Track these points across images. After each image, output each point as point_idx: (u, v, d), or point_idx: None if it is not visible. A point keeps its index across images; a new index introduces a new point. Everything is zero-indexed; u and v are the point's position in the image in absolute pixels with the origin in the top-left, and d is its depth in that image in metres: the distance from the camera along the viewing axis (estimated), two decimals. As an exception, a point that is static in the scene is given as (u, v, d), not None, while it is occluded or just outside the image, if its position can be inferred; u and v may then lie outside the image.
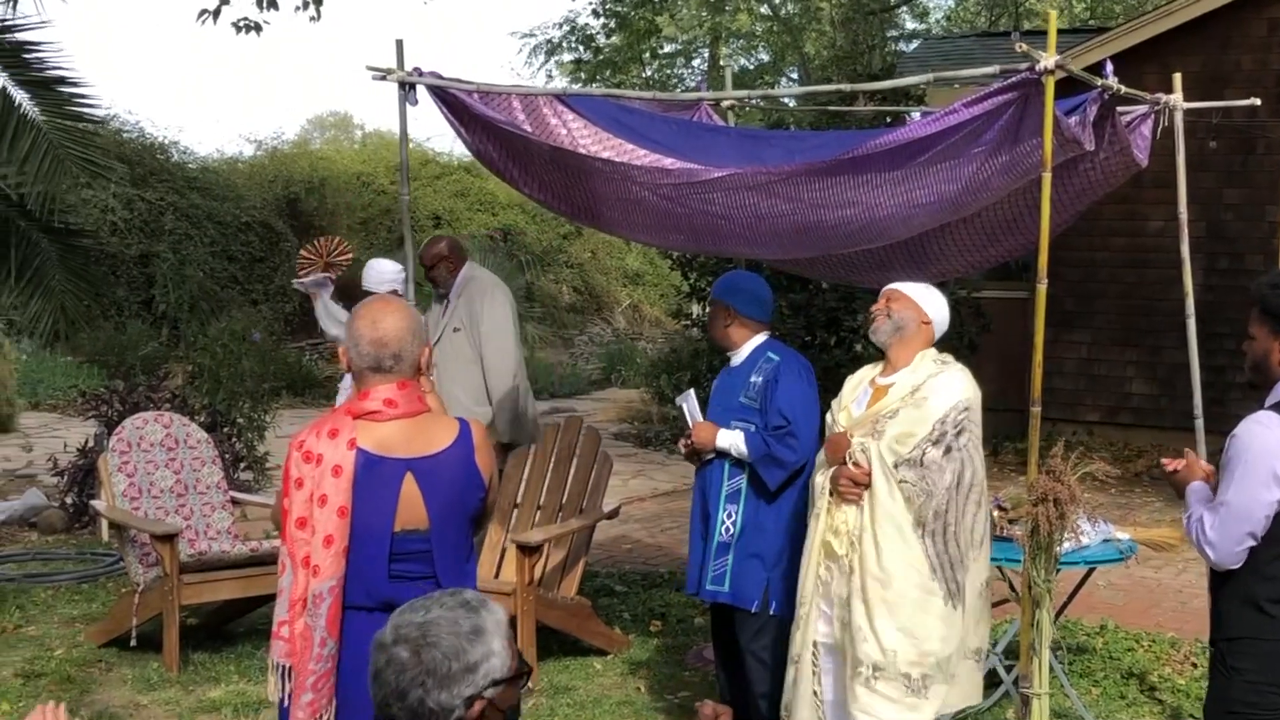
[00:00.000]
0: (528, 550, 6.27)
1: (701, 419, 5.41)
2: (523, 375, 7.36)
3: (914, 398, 4.72)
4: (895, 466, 4.61)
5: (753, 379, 5.30)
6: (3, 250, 8.19)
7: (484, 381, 7.12)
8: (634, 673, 6.51)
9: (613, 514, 7.01)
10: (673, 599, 7.67)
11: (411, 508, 3.46)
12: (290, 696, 3.47)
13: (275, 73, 53.54)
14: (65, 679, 6.31)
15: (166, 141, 19.17)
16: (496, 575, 6.68)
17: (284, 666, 3.49)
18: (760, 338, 5.42)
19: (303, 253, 8.12)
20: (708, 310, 5.59)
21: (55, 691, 6.11)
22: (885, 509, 4.61)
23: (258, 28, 12.81)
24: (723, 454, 5.32)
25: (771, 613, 5.17)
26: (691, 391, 5.55)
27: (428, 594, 2.49)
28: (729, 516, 5.31)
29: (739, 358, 5.43)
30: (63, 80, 7.94)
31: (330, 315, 7.86)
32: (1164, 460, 4.18)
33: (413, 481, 3.46)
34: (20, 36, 7.83)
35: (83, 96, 8.02)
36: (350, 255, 8.00)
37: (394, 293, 7.27)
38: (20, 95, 7.84)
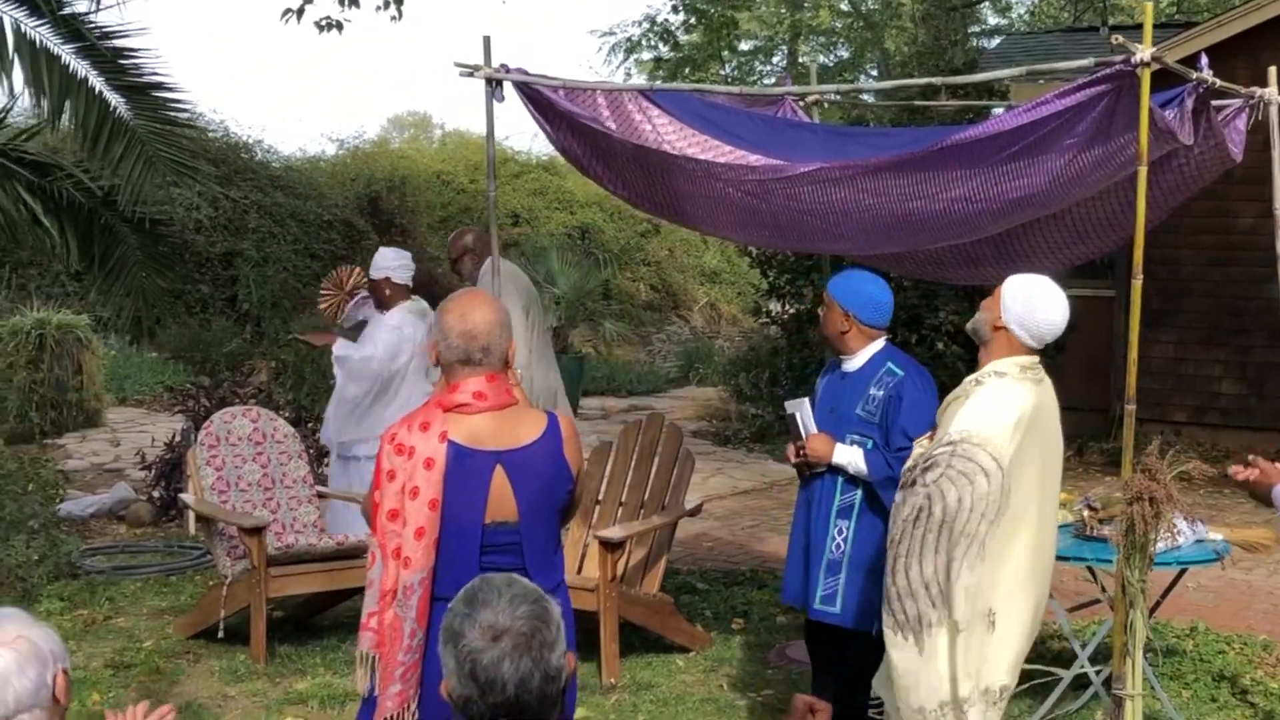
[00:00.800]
0: (610, 546, 6.27)
1: (815, 429, 5.21)
2: (543, 373, 7.41)
3: (944, 414, 4.48)
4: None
5: (872, 392, 5.09)
6: (86, 241, 8.35)
7: None
8: (716, 670, 6.49)
9: (695, 511, 6.99)
10: (754, 597, 7.64)
11: (501, 500, 3.48)
12: (378, 686, 3.49)
13: (356, 73, 54.10)
14: (154, 670, 6.40)
15: (251, 141, 19.39)
16: (579, 571, 6.69)
17: (372, 657, 3.51)
18: (878, 344, 5.18)
19: (324, 289, 8.13)
20: (822, 307, 5.38)
21: (144, 682, 6.20)
22: None
23: (339, 26, 12.95)
24: (835, 468, 5.15)
25: None
26: (805, 400, 5.33)
27: (454, 601, 2.51)
28: (840, 533, 5.13)
29: (854, 364, 5.20)
30: (157, 85, 8.07)
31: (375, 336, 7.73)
32: (1233, 469, 4.08)
33: (503, 474, 3.48)
34: (118, 43, 7.97)
35: (176, 101, 8.15)
36: (364, 277, 8.02)
37: (386, 280, 7.64)
38: (115, 99, 7.97)
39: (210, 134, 18.52)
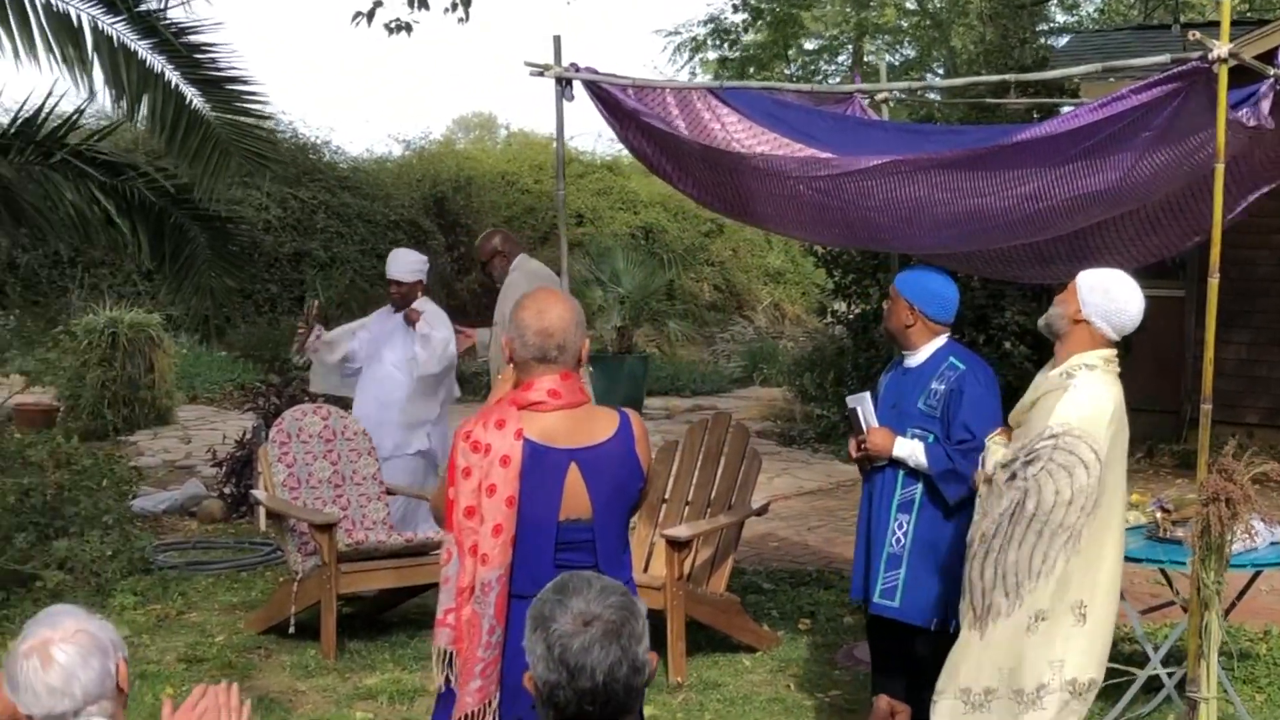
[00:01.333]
0: (677, 545, 6.27)
1: (876, 424, 5.23)
2: None
3: (1035, 408, 4.50)
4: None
5: (934, 386, 5.12)
6: (156, 240, 8.46)
7: None
8: (783, 670, 6.48)
9: (762, 510, 6.98)
10: (821, 597, 7.62)
11: (576, 498, 3.50)
12: (455, 682, 3.51)
13: (422, 73, 54.46)
14: (226, 664, 6.47)
15: (319, 142, 19.58)
16: (646, 570, 6.69)
17: (449, 653, 3.53)
18: (941, 340, 5.23)
19: (299, 329, 8.20)
20: (887, 302, 5.38)
21: (216, 676, 6.26)
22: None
23: (408, 28, 13.03)
24: (896, 462, 5.17)
25: (952, 631, 4.84)
26: (866, 394, 5.36)
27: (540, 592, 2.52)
28: (900, 527, 5.15)
29: (917, 359, 5.24)
30: (233, 79, 8.18)
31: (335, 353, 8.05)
32: None
33: (577, 472, 3.49)
34: (192, 39, 8.08)
35: (251, 93, 8.25)
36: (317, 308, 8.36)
37: (419, 283, 7.87)
38: (191, 92, 8.09)
39: (280, 134, 18.70)
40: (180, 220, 8.43)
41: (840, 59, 29.17)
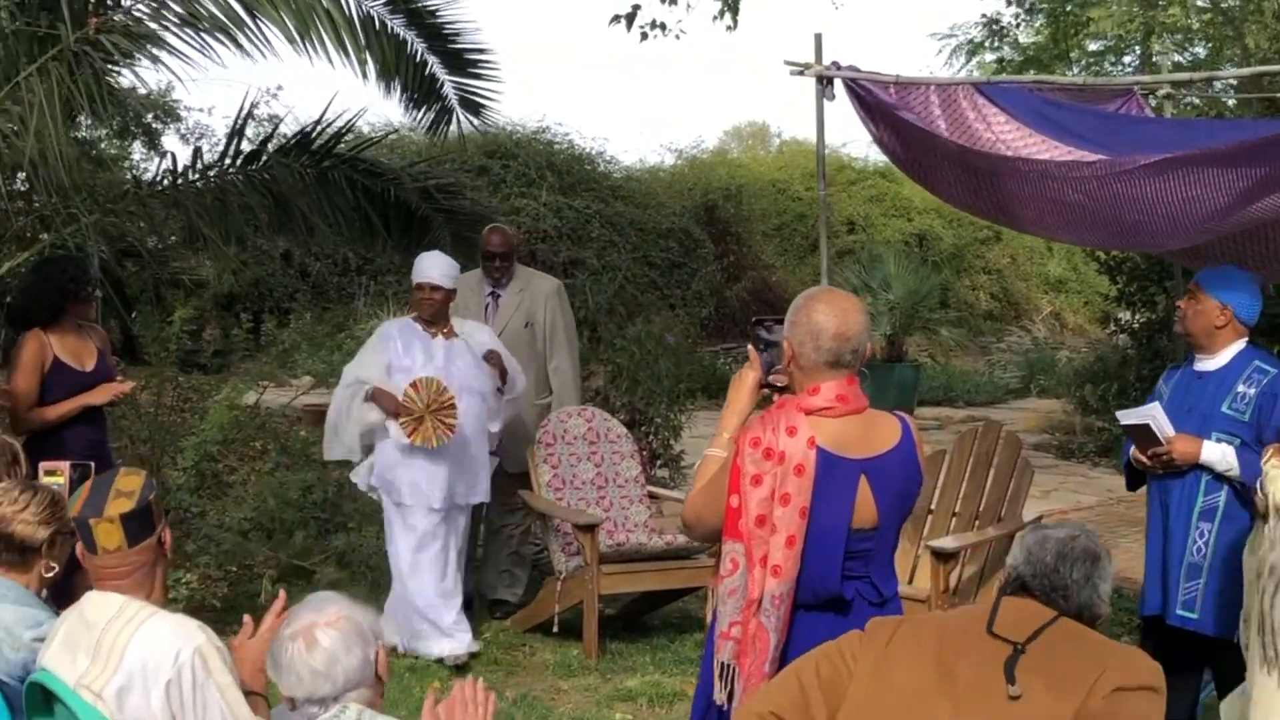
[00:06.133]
0: (943, 557, 6.09)
1: (1172, 432, 4.97)
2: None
3: None
4: None
5: (1240, 389, 4.88)
6: (405, 232, 8.74)
7: (546, 379, 7.47)
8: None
9: (1033, 524, 6.71)
10: (1096, 615, 7.29)
11: (864, 507, 3.40)
12: (737, 697, 3.39)
13: (695, 83, 54.97)
14: (492, 661, 6.59)
15: (594, 152, 19.92)
16: (910, 582, 6.52)
17: (732, 667, 3.42)
18: (1242, 343, 4.99)
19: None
20: (1185, 303, 5.11)
21: (481, 673, 6.38)
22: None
23: (663, 27, 13.17)
24: (1198, 469, 4.92)
25: None
26: (1156, 404, 5.09)
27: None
28: (1200, 535, 4.88)
29: (1214, 362, 4.99)
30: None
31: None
32: None
33: (865, 481, 3.40)
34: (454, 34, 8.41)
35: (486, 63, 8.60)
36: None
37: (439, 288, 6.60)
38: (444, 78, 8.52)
39: (555, 145, 19.13)
40: (424, 212, 8.68)
41: (1126, 60, 28.05)
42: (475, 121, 8.96)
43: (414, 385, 6.33)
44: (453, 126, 8.88)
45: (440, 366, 6.47)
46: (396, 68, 8.02)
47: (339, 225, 8.31)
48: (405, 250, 8.74)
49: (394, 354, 6.53)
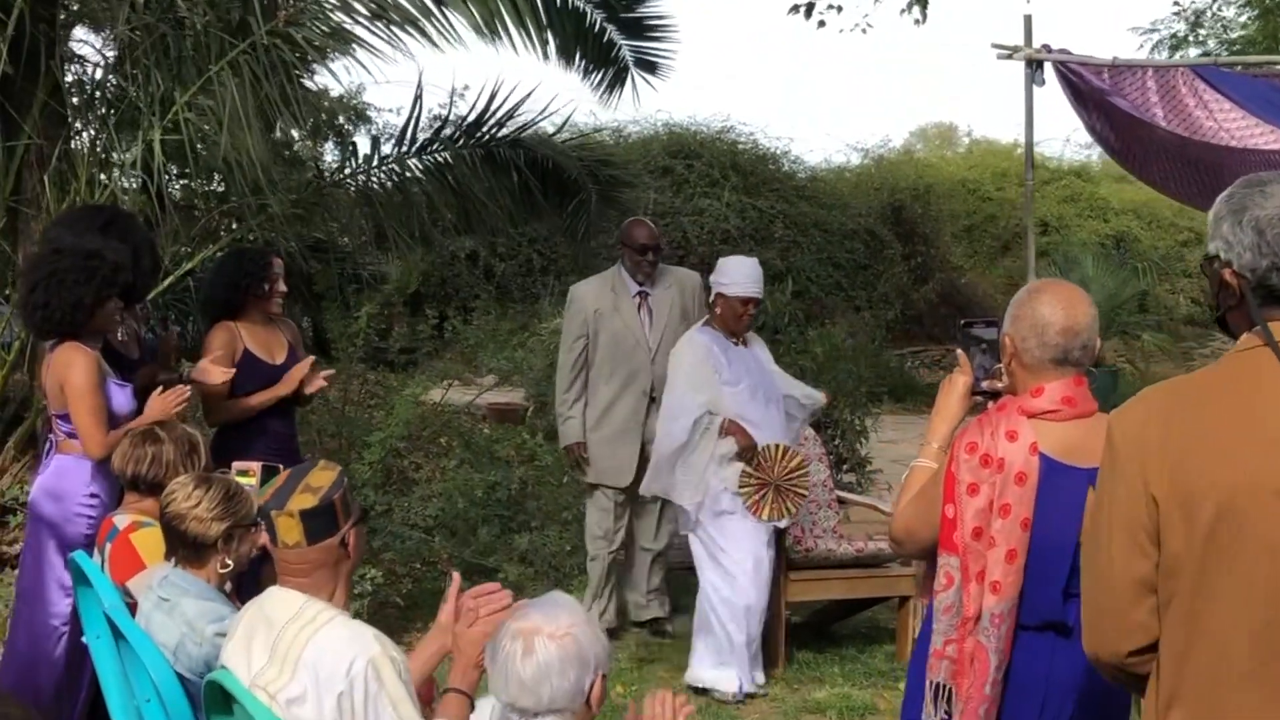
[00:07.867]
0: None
1: None
2: None
3: None
4: None
5: None
6: (558, 199, 8.72)
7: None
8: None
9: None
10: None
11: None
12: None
13: (883, 81, 54.35)
14: (676, 666, 6.43)
15: (778, 152, 19.69)
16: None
17: (948, 688, 3.17)
18: None
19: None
20: None
21: (664, 677, 6.25)
22: None
23: (839, 8, 13.10)
24: None
25: None
26: None
27: None
28: None
29: None
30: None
31: None
32: None
33: (1091, 491, 3.11)
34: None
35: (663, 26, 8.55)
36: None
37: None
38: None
39: (740, 145, 18.96)
40: (581, 180, 8.63)
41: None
42: (651, 80, 8.89)
43: (759, 459, 5.96)
44: (627, 88, 8.89)
45: (758, 380, 6.16)
46: (576, 40, 8.02)
47: (508, 206, 8.26)
48: (563, 218, 8.74)
49: (720, 369, 6.10)
